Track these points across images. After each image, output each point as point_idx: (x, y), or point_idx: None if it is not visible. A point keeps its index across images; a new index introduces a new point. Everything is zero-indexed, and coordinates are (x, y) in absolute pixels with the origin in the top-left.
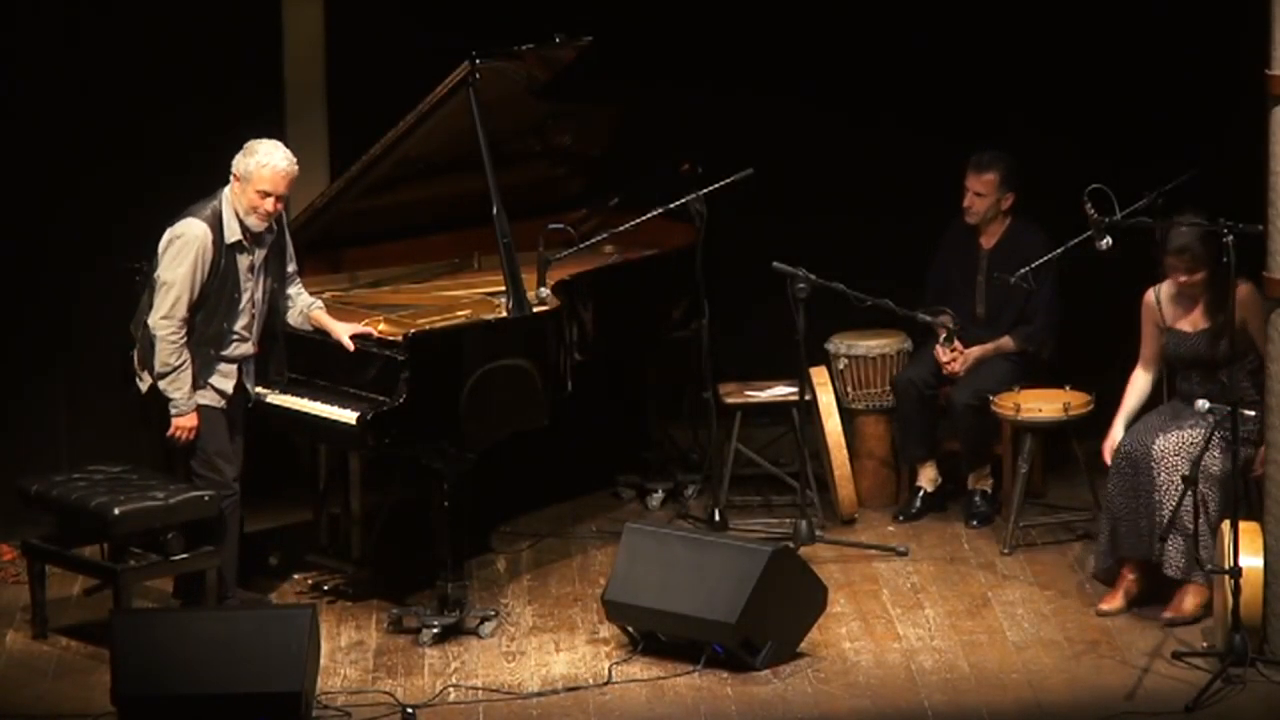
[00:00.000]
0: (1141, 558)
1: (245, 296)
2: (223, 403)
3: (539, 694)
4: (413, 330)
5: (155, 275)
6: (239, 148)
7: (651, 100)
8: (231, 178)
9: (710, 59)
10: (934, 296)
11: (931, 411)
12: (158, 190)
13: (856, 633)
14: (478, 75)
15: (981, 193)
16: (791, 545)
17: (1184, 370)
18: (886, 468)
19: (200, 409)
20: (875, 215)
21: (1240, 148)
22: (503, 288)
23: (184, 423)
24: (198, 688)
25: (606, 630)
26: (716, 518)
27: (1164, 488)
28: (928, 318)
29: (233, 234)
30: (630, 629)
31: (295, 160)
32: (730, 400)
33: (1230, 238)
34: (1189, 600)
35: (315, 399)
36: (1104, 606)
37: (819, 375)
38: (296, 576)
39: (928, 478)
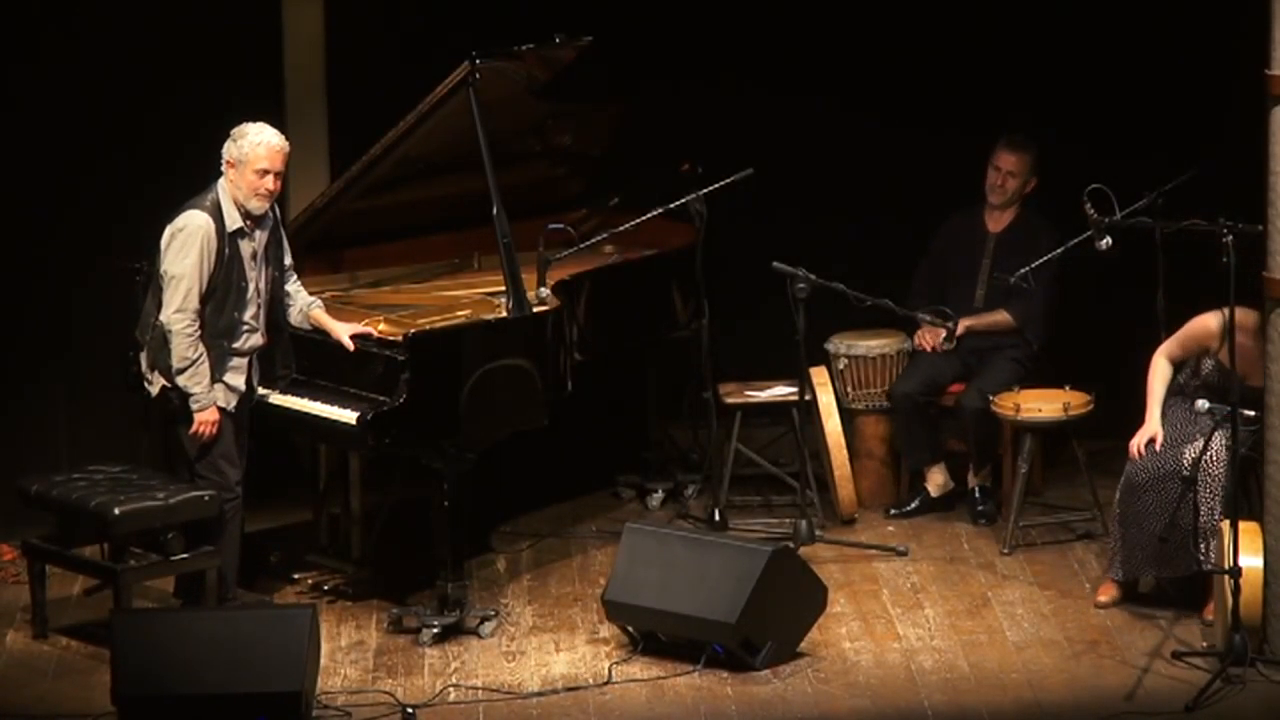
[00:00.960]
0: (1182, 574)
1: (251, 285)
2: (233, 404)
3: (539, 694)
4: (413, 330)
5: (162, 272)
6: None
7: (651, 100)
8: (225, 166)
9: (710, 59)
10: (928, 288)
11: (930, 418)
12: (157, 190)
13: (856, 633)
14: (478, 75)
15: (1014, 172)
16: (791, 545)
17: (1198, 384)
18: (886, 468)
19: None
20: (875, 215)
21: (1240, 148)
22: (503, 288)
23: (207, 417)
24: (198, 688)
25: (606, 630)
26: (716, 518)
27: (1205, 497)
28: (928, 318)
29: (234, 221)
30: (630, 629)
31: (284, 137)
32: (730, 400)
33: (1230, 238)
34: None
35: (315, 399)
36: (1102, 598)
37: (819, 375)
38: (296, 576)
39: (936, 483)
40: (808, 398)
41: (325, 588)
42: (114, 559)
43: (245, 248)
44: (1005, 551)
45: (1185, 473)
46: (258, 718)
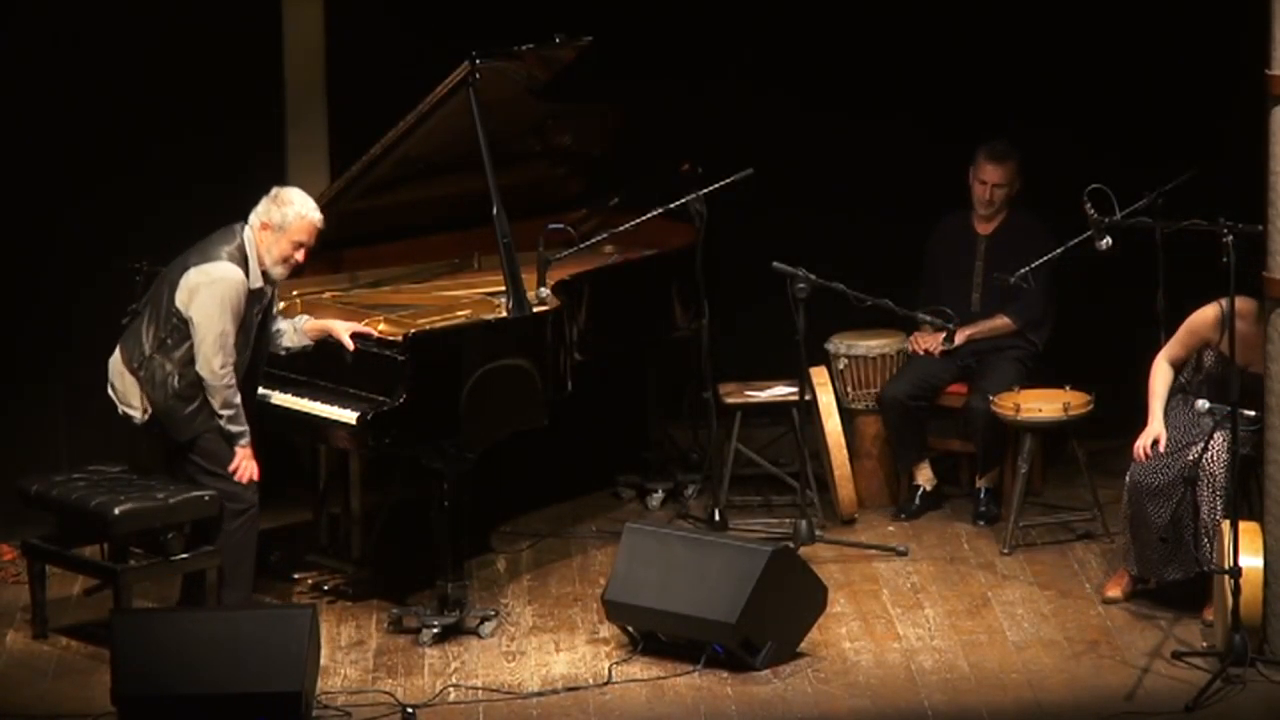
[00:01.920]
0: (1185, 576)
1: (249, 339)
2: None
3: (539, 694)
4: (413, 330)
5: (188, 318)
6: (239, 147)
7: (651, 100)
8: (259, 225)
9: (710, 59)
10: (928, 290)
11: (918, 420)
12: (158, 191)
13: (856, 633)
14: (478, 75)
15: (1000, 184)
16: (791, 545)
17: (1200, 379)
18: (886, 468)
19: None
20: (875, 214)
21: (1240, 148)
22: (503, 288)
23: (250, 452)
24: (198, 688)
25: (606, 630)
26: (716, 518)
27: (1206, 497)
28: (928, 319)
29: (255, 280)
30: (630, 629)
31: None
32: (730, 400)
33: (1230, 238)
34: None
35: (315, 399)
36: (1112, 592)
37: (819, 375)
38: (296, 576)
39: (924, 477)
40: (808, 398)
41: (325, 588)
42: (114, 559)
43: (254, 306)
44: (1005, 551)
45: (1186, 473)
46: (258, 718)
